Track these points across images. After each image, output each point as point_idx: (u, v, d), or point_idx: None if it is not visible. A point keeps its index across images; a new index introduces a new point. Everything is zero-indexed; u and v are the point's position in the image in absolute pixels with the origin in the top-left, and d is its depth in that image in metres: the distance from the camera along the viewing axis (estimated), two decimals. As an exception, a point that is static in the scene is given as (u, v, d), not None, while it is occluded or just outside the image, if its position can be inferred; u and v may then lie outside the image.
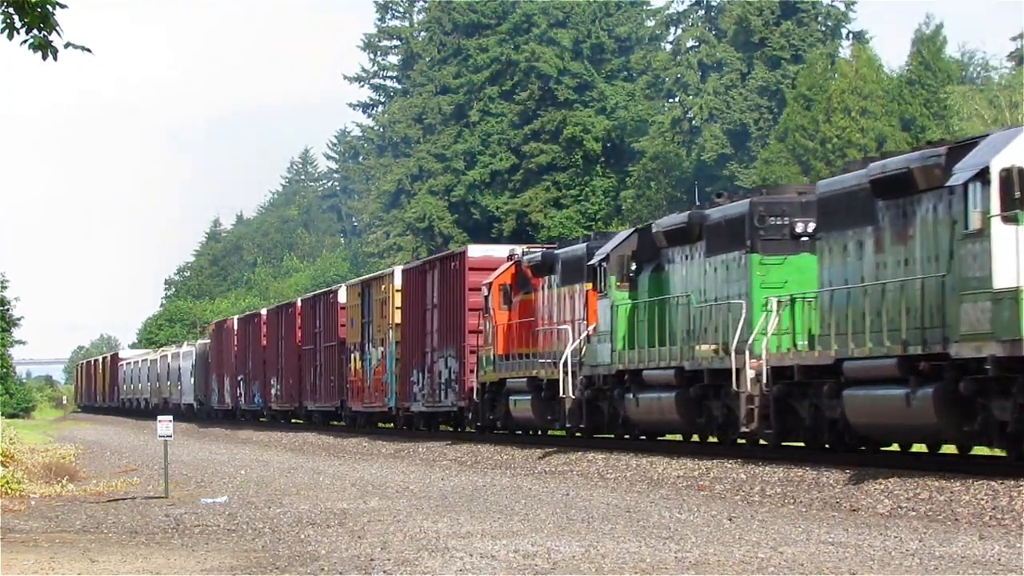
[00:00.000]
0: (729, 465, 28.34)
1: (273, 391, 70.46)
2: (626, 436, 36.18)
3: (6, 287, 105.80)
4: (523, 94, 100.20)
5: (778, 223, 29.98)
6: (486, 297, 42.75)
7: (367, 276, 60.10)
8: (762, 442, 30.05)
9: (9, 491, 29.81)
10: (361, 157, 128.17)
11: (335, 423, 62.32)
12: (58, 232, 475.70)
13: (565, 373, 36.66)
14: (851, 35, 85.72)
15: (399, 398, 50.90)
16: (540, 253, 40.91)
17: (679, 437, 35.24)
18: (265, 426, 70.08)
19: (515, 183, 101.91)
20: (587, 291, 37.21)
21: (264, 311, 74.77)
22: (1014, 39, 78.19)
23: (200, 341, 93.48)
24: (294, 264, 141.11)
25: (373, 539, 18.63)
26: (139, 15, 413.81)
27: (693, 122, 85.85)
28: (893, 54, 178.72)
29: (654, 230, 34.18)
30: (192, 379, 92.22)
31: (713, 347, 30.60)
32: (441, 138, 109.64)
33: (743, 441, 30.84)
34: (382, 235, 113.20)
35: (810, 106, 74.02)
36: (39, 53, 17.29)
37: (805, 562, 15.65)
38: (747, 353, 28.65)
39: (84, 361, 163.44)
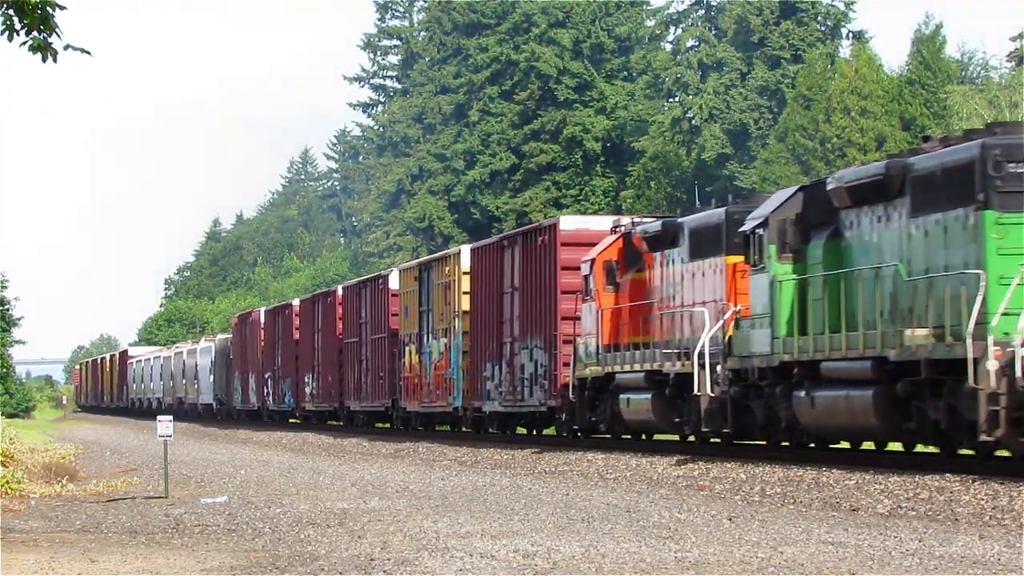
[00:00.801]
0: (729, 465, 28.34)
1: (308, 390, 64.20)
2: (785, 444, 30.24)
3: (6, 287, 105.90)
4: (523, 94, 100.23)
5: (1020, 171, 23.48)
6: (586, 277, 36.25)
7: (426, 258, 52.58)
8: (1004, 453, 24.65)
9: (9, 491, 29.81)
10: (361, 157, 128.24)
11: (382, 425, 56.51)
12: (58, 232, 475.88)
13: (701, 366, 30.45)
14: (851, 35, 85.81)
15: (467, 396, 44.92)
16: (659, 222, 34.35)
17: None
18: (265, 426, 69.69)
19: (515, 183, 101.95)
20: (727, 265, 31.25)
21: (297, 301, 67.78)
22: (1014, 39, 78.23)
23: (220, 336, 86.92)
24: (294, 264, 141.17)
25: (373, 539, 18.64)
26: (139, 16, 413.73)
27: (693, 122, 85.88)
28: (893, 54, 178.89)
29: (831, 186, 27.42)
30: (211, 377, 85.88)
31: (930, 331, 24.35)
32: (441, 138, 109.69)
33: (972, 451, 25.25)
34: (382, 235, 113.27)
35: (810, 106, 74.07)
36: (39, 55, 17.29)
37: (805, 562, 15.65)
38: (989, 339, 22.82)
39: (89, 360, 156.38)
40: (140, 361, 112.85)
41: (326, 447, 48.53)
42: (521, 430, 44.68)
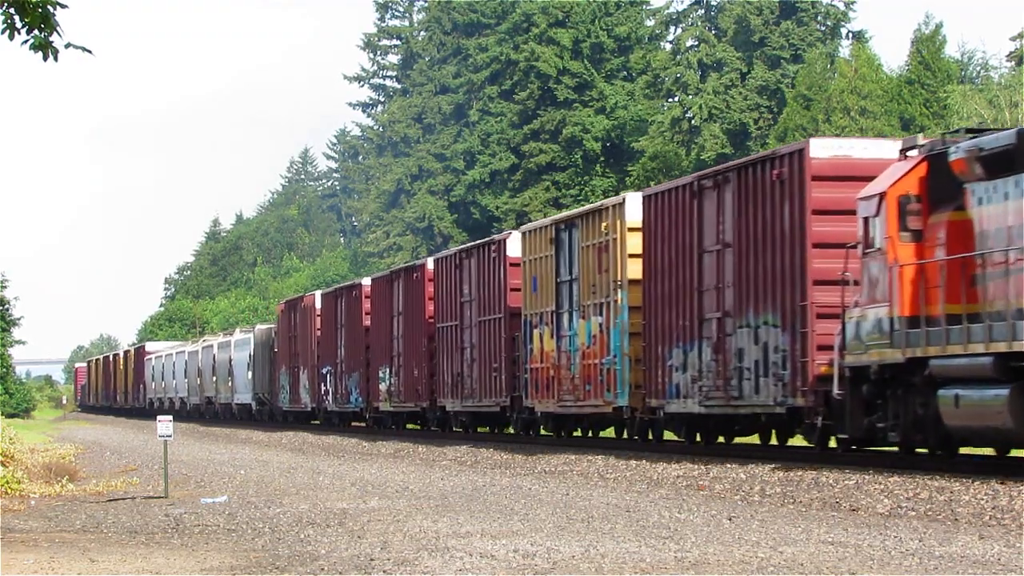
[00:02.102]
0: (729, 465, 28.34)
1: (383, 386, 52.42)
2: None
3: (6, 287, 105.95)
4: (523, 94, 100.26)
5: None
6: (867, 221, 25.81)
7: (568, 213, 40.14)
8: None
9: (9, 491, 29.81)
10: (361, 157, 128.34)
11: (483, 429, 46.87)
12: (58, 232, 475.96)
13: None
14: (851, 35, 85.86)
15: (637, 393, 34.28)
16: (1009, 133, 23.61)
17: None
18: (265, 426, 69.51)
19: (515, 183, 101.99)
20: None
21: (367, 281, 55.80)
22: (1014, 39, 78.23)
23: (261, 326, 75.34)
24: (294, 264, 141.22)
25: (373, 539, 18.64)
26: (140, 16, 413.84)
27: (693, 122, 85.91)
28: (892, 54, 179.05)
29: None
30: (250, 374, 74.58)
31: None
32: (441, 138, 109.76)
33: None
34: (382, 235, 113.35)
35: (810, 106, 74.11)
36: (39, 53, 17.30)
37: (805, 562, 15.65)
38: None
39: (99, 357, 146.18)
40: (160, 357, 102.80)
41: (326, 447, 48.52)
42: (750, 440, 34.12)
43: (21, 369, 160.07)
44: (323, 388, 60.45)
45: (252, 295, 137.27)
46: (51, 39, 17.31)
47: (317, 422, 64.35)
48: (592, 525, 19.77)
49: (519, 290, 40.87)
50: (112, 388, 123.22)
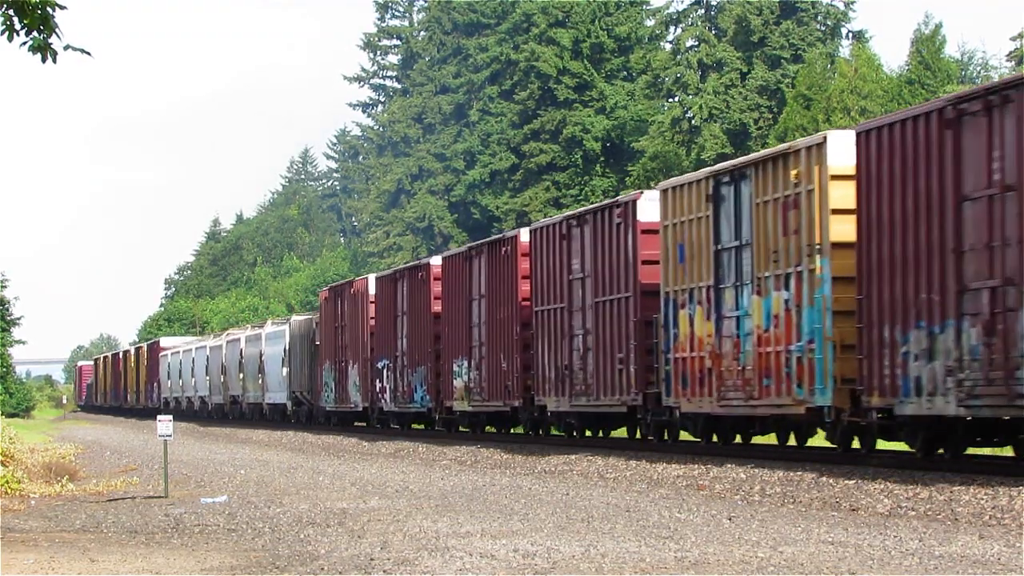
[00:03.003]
0: (729, 465, 28.34)
1: (459, 382, 44.68)
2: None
3: (6, 287, 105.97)
4: (523, 94, 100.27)
5: None
6: None
7: (728, 164, 30.74)
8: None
9: (9, 491, 29.81)
10: (361, 157, 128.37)
11: (608, 433, 39.29)
12: (58, 232, 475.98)
13: None
14: (851, 35, 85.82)
15: (841, 389, 26.73)
16: None
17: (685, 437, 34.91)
18: (265, 425, 69.23)
19: (515, 183, 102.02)
20: None
21: (437, 260, 47.44)
22: (1014, 39, 78.23)
23: (298, 317, 67.69)
24: (294, 264, 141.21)
25: (373, 539, 18.64)
26: (140, 17, 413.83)
27: (693, 122, 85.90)
28: (893, 54, 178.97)
29: None
30: (286, 370, 66.97)
31: None
32: (441, 138, 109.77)
33: None
34: (382, 235, 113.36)
35: (810, 106, 74.08)
36: (38, 55, 17.29)
37: (805, 562, 15.65)
38: None
39: (108, 353, 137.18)
40: (176, 353, 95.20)
41: (326, 447, 48.51)
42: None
43: (21, 369, 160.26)
44: (378, 385, 52.60)
45: (252, 295, 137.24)
46: (50, 41, 17.31)
47: (366, 424, 56.72)
48: (592, 525, 19.77)
49: (654, 263, 33.14)
50: (122, 387, 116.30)
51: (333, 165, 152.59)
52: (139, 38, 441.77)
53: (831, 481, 24.33)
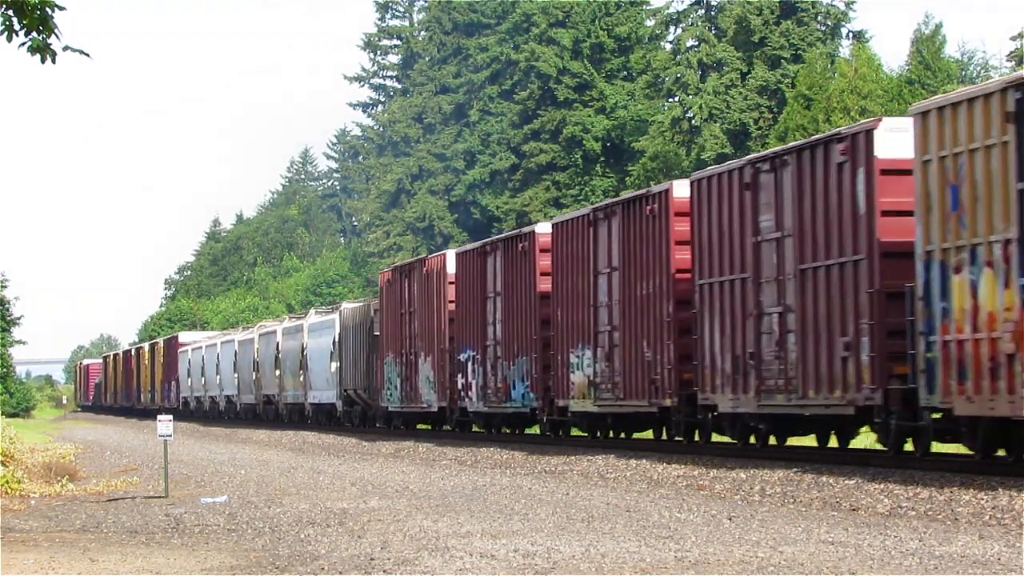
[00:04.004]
0: (729, 465, 28.34)
1: (578, 377, 36.63)
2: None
3: (6, 287, 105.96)
4: (523, 94, 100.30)
5: None
6: None
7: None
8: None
9: (9, 491, 29.82)
10: (361, 157, 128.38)
11: (824, 442, 30.76)
12: (58, 232, 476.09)
13: None
14: (851, 35, 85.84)
15: None
16: None
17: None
18: (265, 425, 69.06)
19: (515, 183, 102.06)
20: None
21: (545, 227, 39.31)
22: (1014, 39, 78.23)
23: (349, 305, 59.20)
24: (294, 264, 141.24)
25: (373, 539, 18.64)
26: (140, 16, 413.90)
27: (693, 122, 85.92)
28: (893, 54, 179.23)
29: None
30: (333, 365, 58.81)
31: None
32: (441, 138, 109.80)
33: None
34: (382, 235, 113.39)
35: (810, 106, 74.08)
36: (38, 56, 17.29)
37: (805, 561, 15.65)
38: None
39: (118, 351, 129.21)
40: (198, 348, 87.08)
41: (326, 447, 48.51)
42: None
43: (21, 369, 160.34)
44: (460, 381, 44.60)
45: (252, 295, 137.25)
46: (49, 41, 17.31)
47: (449, 428, 48.34)
48: (592, 525, 19.77)
49: (900, 213, 25.28)
50: (134, 386, 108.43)
51: (333, 165, 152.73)
52: (139, 38, 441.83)
53: (831, 481, 24.33)
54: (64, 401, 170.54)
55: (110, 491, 30.66)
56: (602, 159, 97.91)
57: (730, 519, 20.31)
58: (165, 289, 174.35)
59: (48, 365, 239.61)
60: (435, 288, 46.90)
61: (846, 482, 23.94)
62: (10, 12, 17.18)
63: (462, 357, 44.39)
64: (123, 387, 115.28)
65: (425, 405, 47.67)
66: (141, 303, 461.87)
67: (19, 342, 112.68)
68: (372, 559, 16.54)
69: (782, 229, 27.94)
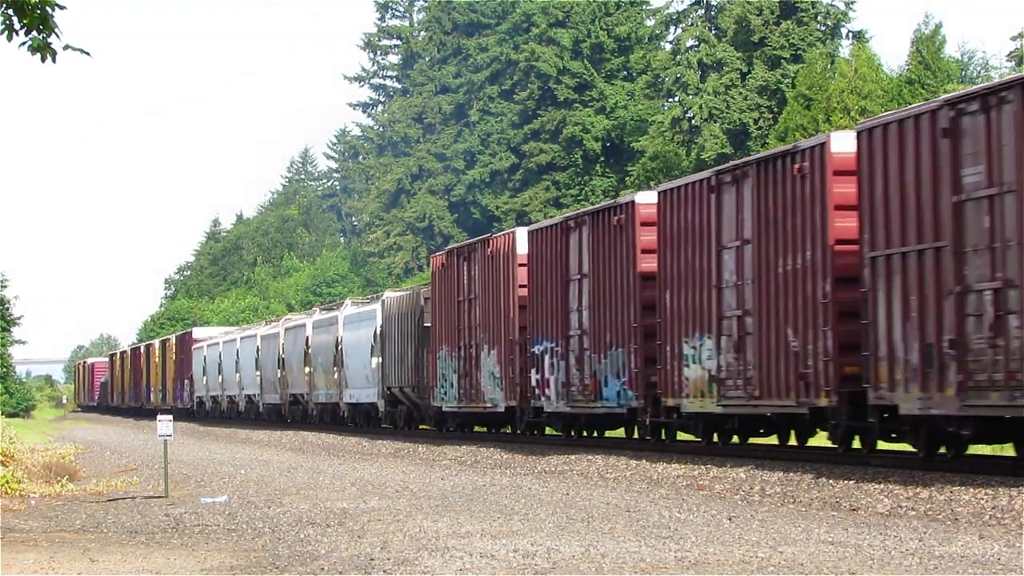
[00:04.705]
0: (729, 465, 28.33)
1: (694, 371, 30.82)
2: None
3: (6, 287, 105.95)
4: (523, 94, 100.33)
5: None
6: None
7: None
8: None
9: (9, 491, 29.81)
10: (361, 157, 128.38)
11: None
12: (58, 232, 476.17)
13: None
14: (851, 35, 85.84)
15: None
16: None
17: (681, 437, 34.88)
18: (266, 425, 68.95)
19: (515, 183, 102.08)
20: None
21: (647, 196, 33.48)
22: (1014, 39, 78.24)
23: (392, 294, 53.62)
24: (294, 264, 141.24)
25: (373, 539, 18.63)
26: (140, 16, 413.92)
27: (693, 122, 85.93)
28: (893, 54, 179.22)
29: None
30: (375, 361, 52.92)
31: None
32: (441, 138, 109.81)
33: None
34: (382, 235, 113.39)
35: (810, 106, 74.08)
36: (38, 55, 17.29)
37: (805, 562, 15.65)
38: None
39: (126, 349, 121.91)
40: (215, 344, 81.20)
41: (326, 447, 48.49)
42: None
43: (21, 369, 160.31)
44: (534, 377, 38.84)
45: (252, 295, 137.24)
46: (49, 40, 17.30)
47: (511, 430, 43.14)
48: (592, 525, 19.76)
49: None
50: (143, 386, 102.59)
51: (333, 165, 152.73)
52: (139, 38, 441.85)
53: (831, 481, 24.32)
54: (64, 401, 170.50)
55: (110, 491, 30.65)
56: (602, 159, 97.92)
57: (730, 519, 20.30)
58: (165, 289, 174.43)
59: (48, 365, 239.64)
60: (502, 271, 41.04)
61: (846, 482, 23.94)
62: (10, 11, 17.18)
63: (537, 350, 38.54)
64: (131, 386, 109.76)
65: (489, 405, 41.80)
66: (141, 303, 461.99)
67: (19, 342, 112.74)
68: (372, 559, 16.54)
69: (999, 183, 22.19)
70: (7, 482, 30.52)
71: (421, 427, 50.51)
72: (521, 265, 39.70)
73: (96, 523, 22.78)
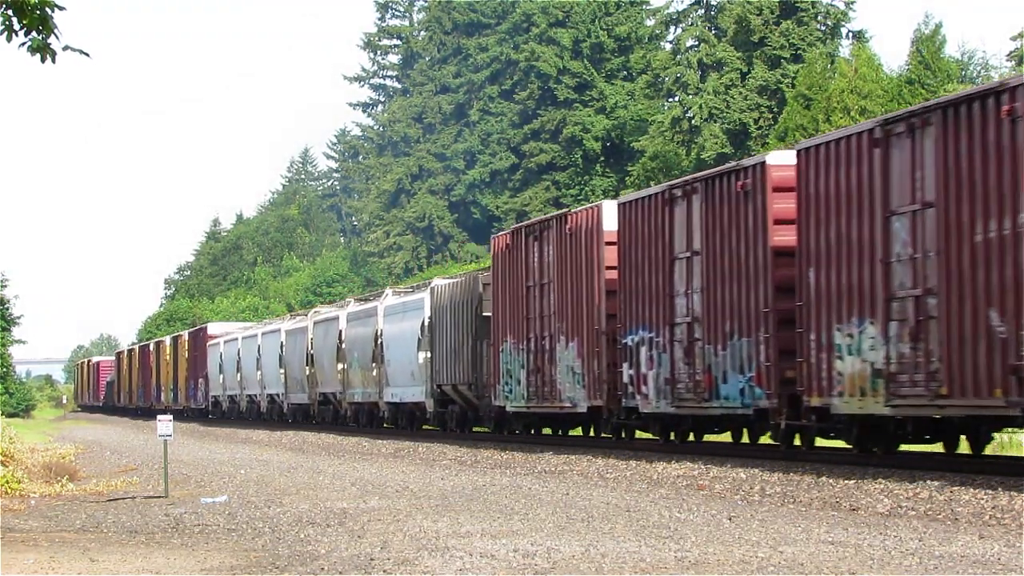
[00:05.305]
0: (729, 465, 28.33)
1: (848, 364, 25.98)
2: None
3: (6, 287, 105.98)
4: (523, 94, 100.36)
5: None
6: None
7: None
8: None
9: (9, 491, 29.81)
10: (361, 157, 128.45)
11: None
12: (58, 231, 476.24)
13: None
14: (851, 34, 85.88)
15: None
16: None
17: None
18: (265, 425, 68.87)
19: (515, 182, 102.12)
20: None
21: (783, 156, 28.74)
22: (1014, 39, 78.23)
23: (443, 280, 48.77)
24: (294, 263, 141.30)
25: (373, 539, 18.63)
26: (140, 16, 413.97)
27: (693, 121, 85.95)
28: (893, 54, 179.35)
29: None
30: (424, 355, 47.94)
31: None
32: (441, 137, 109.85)
33: None
34: (382, 234, 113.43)
35: (810, 106, 74.09)
36: (37, 56, 17.28)
37: (805, 561, 15.64)
38: None
39: (134, 346, 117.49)
40: (232, 341, 76.43)
41: (326, 447, 48.49)
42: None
43: (21, 369, 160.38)
44: (628, 372, 33.72)
45: (252, 295, 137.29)
46: (49, 41, 17.30)
47: (603, 434, 37.61)
48: (592, 525, 19.76)
49: None
50: (153, 385, 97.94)
51: (333, 165, 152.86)
52: (139, 38, 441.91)
53: (831, 481, 24.32)
54: (64, 401, 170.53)
55: (110, 491, 30.64)
56: (602, 159, 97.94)
57: (730, 519, 20.30)
58: (165, 289, 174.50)
59: (48, 365, 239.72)
60: (584, 251, 35.99)
61: (846, 482, 23.93)
62: (10, 12, 17.18)
63: (630, 341, 33.47)
64: (140, 386, 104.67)
65: (567, 404, 36.91)
66: (141, 303, 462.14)
67: (19, 342, 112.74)
68: (372, 559, 16.54)
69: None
70: (7, 482, 30.52)
71: (475, 429, 46.34)
72: (609, 243, 34.67)
73: (96, 523, 22.79)
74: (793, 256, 27.25)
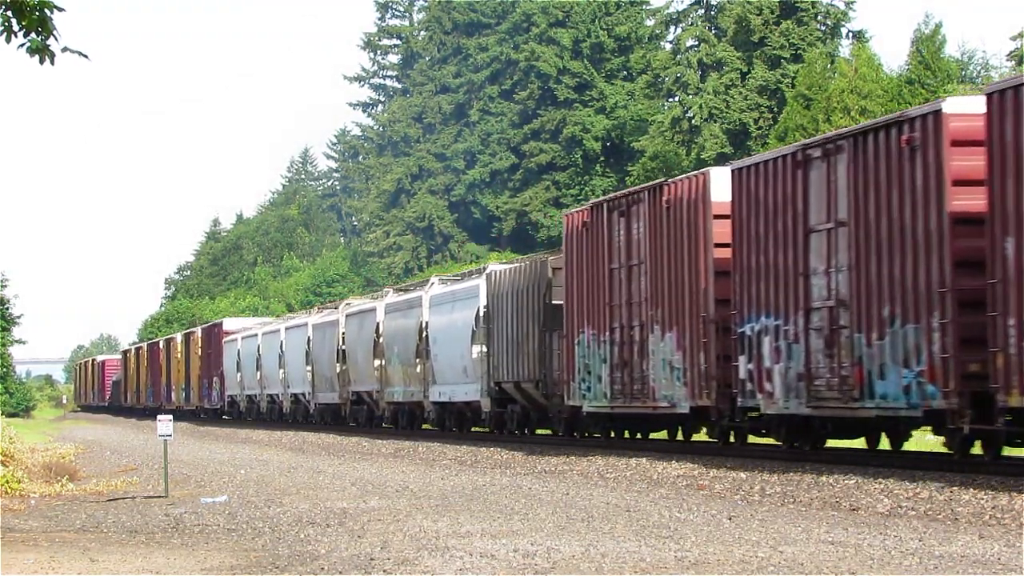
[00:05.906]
0: (729, 465, 28.33)
1: None
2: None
3: (6, 286, 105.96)
4: (523, 93, 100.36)
5: None
6: None
7: None
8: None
9: (9, 491, 29.81)
10: (361, 156, 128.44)
11: None
12: (58, 231, 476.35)
13: None
14: (851, 34, 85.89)
15: None
16: None
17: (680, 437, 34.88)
18: (265, 425, 68.93)
19: (515, 183, 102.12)
20: None
21: (965, 103, 23.44)
22: (1014, 39, 78.24)
23: (500, 266, 44.14)
24: (294, 264, 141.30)
25: (373, 538, 18.63)
26: (140, 16, 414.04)
27: (693, 121, 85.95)
28: (893, 54, 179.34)
29: None
30: (478, 349, 43.22)
31: None
32: (441, 137, 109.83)
33: None
34: (382, 234, 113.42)
35: (810, 106, 74.08)
36: (37, 57, 17.28)
37: (805, 561, 15.65)
38: None
39: (141, 344, 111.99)
40: (252, 337, 71.61)
41: (326, 446, 48.49)
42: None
43: (21, 369, 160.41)
44: (746, 367, 29.00)
45: (252, 295, 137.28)
46: (48, 42, 17.30)
47: (714, 438, 33.10)
48: (592, 525, 19.76)
49: None
50: (163, 384, 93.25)
51: (333, 165, 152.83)
52: (139, 38, 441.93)
53: (831, 481, 24.32)
54: (64, 401, 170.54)
55: (110, 491, 30.65)
56: (602, 159, 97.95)
57: (730, 519, 20.30)
58: (165, 289, 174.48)
59: (48, 365, 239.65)
60: (686, 227, 31.29)
61: (846, 482, 23.94)
62: (9, 13, 17.18)
63: (748, 330, 28.82)
64: (148, 385, 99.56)
65: (663, 404, 32.33)
66: (141, 303, 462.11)
67: (19, 342, 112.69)
68: (372, 559, 16.54)
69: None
70: (7, 482, 30.52)
71: (538, 432, 41.97)
72: (719, 216, 30.01)
73: (96, 523, 22.79)
74: (979, 224, 22.41)
